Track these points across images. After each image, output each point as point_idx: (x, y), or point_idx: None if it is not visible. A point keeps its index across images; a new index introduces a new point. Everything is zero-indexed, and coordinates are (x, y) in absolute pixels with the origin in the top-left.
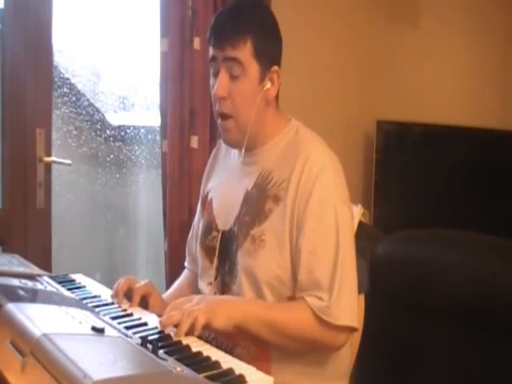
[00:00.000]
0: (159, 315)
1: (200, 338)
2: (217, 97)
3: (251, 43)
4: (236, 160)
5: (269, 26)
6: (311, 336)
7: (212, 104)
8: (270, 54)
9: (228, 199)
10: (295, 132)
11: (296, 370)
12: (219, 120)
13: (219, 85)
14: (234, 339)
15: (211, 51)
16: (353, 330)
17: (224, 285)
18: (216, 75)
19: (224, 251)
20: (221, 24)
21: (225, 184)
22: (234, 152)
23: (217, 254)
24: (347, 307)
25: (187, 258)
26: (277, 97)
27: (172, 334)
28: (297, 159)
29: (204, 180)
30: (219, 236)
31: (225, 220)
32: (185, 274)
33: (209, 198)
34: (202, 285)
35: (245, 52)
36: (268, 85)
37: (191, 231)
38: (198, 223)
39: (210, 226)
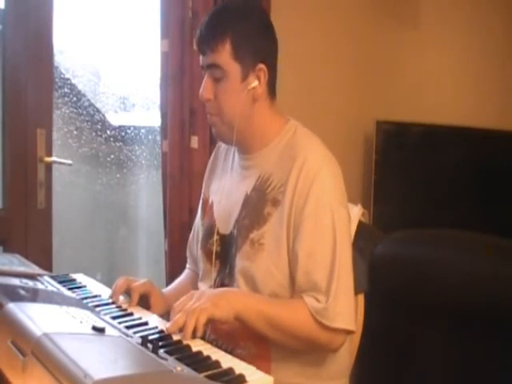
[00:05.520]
0: (161, 315)
1: (202, 338)
2: (202, 99)
3: (230, 45)
4: (236, 163)
5: (250, 25)
6: (308, 335)
7: None
8: (252, 53)
9: (228, 202)
10: (293, 133)
11: (296, 370)
12: (208, 115)
13: (203, 88)
14: (234, 340)
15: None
16: (349, 332)
17: (223, 287)
18: None
19: (225, 255)
20: (201, 30)
21: (225, 187)
22: (234, 154)
23: (216, 258)
24: (344, 309)
25: (188, 260)
26: (274, 98)
27: (180, 338)
28: (294, 162)
29: (205, 182)
30: (216, 239)
31: (225, 223)
32: (186, 272)
33: (210, 201)
34: (203, 288)
35: (223, 55)
36: (254, 83)
37: (192, 233)
38: (198, 225)
39: (211, 230)
